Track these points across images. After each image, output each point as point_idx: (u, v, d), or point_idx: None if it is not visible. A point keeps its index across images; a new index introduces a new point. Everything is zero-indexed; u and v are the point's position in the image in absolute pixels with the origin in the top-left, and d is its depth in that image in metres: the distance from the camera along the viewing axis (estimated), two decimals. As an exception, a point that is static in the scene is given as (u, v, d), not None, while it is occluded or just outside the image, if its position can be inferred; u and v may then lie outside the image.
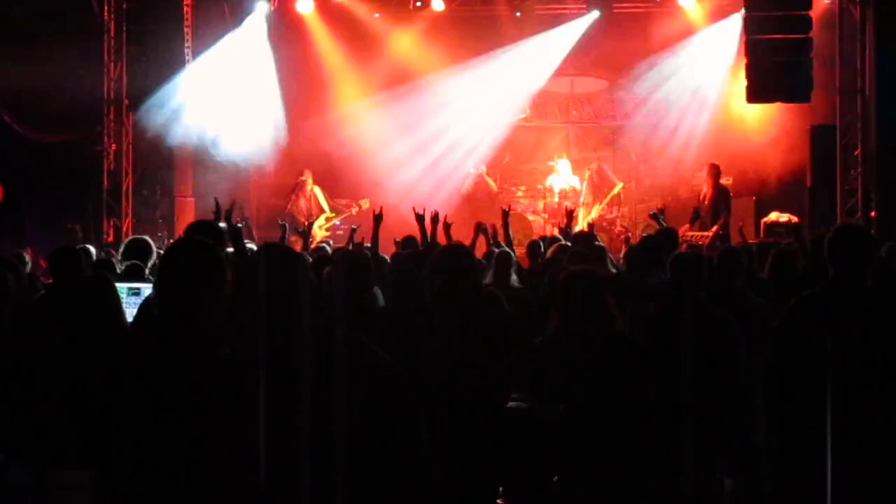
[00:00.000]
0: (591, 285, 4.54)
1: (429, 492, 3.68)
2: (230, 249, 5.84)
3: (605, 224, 14.65)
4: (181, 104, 13.84)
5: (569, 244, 8.00)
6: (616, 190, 15.05)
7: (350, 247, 8.98)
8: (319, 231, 14.63)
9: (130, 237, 8.31)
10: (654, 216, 10.77)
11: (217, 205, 7.42)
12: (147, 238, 7.46)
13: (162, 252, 5.47)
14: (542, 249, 8.64)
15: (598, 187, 15.30)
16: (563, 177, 15.60)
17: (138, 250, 7.09)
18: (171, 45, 13.57)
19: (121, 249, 7.42)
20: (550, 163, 15.96)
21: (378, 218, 8.12)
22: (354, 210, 15.21)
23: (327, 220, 13.05)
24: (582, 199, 15.26)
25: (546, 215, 15.28)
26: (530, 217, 15.45)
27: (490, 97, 16.14)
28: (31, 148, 13.85)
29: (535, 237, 10.99)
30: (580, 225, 14.84)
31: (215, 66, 14.54)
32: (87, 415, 3.21)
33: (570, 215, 9.90)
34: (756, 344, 5.56)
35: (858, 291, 4.32)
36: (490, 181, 15.74)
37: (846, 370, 4.14)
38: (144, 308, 5.59)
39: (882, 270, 5.78)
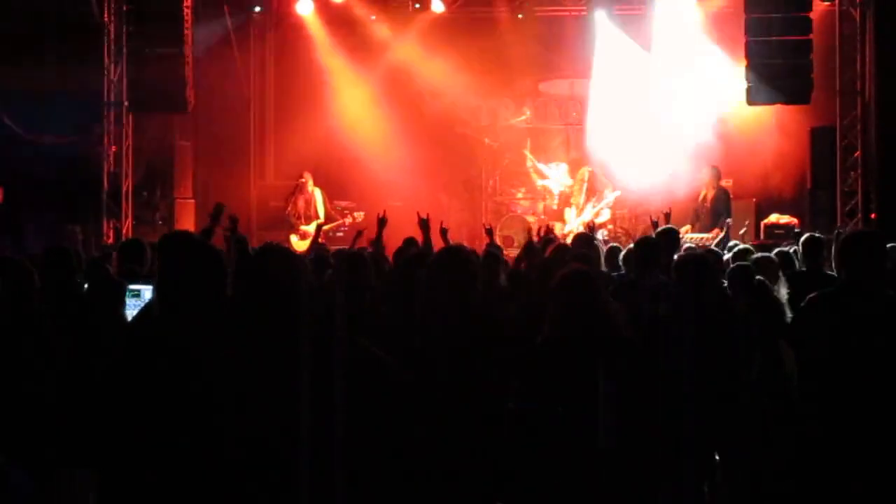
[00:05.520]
0: (587, 284, 4.53)
1: (428, 492, 3.69)
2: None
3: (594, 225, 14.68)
4: (182, 105, 13.83)
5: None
6: (611, 198, 15.05)
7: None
8: (298, 244, 14.54)
9: (125, 239, 8.29)
10: (655, 224, 10.76)
11: (219, 211, 7.25)
12: (141, 240, 7.45)
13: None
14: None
15: (590, 191, 15.32)
16: (558, 181, 15.61)
17: (134, 252, 7.07)
18: (170, 47, 13.56)
19: (116, 252, 7.41)
20: (551, 164, 15.97)
21: (382, 221, 8.14)
22: (348, 221, 15.20)
23: (312, 234, 12.53)
24: (573, 200, 15.31)
25: (545, 217, 15.28)
26: (530, 219, 15.45)
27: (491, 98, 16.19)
28: (31, 149, 13.85)
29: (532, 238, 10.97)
30: (569, 225, 14.87)
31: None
32: (89, 415, 3.21)
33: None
34: (752, 344, 5.58)
35: (866, 297, 4.29)
36: None
37: (849, 373, 4.15)
38: (146, 310, 5.57)
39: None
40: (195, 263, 3.31)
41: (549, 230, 10.12)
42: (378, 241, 7.93)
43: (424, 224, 7.93)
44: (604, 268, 7.94)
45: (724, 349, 5.43)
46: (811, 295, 4.60)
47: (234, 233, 7.25)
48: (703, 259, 5.87)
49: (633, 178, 14.89)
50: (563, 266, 5.32)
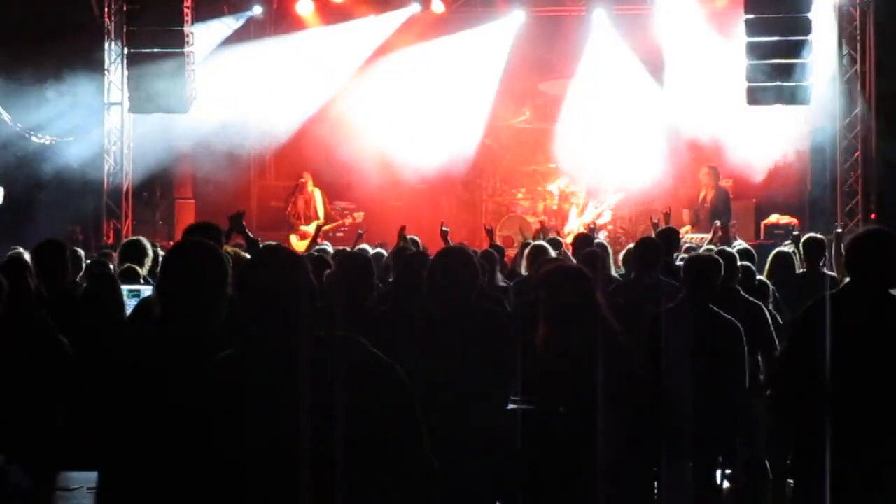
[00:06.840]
0: (573, 280, 4.51)
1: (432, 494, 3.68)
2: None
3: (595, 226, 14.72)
4: (182, 105, 13.81)
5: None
6: (612, 199, 15.07)
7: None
8: (298, 244, 14.54)
9: (127, 239, 8.26)
10: (655, 224, 10.77)
11: (239, 219, 6.83)
12: (143, 239, 7.43)
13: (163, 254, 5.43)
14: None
15: (591, 192, 15.36)
16: (561, 182, 15.66)
17: (134, 252, 7.06)
18: (170, 47, 13.56)
19: (117, 251, 7.40)
20: (552, 165, 15.97)
21: (402, 230, 8.38)
22: (348, 221, 15.19)
23: (311, 234, 12.49)
24: (573, 200, 15.34)
25: (546, 217, 15.30)
26: (530, 219, 15.47)
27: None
28: (31, 149, 13.85)
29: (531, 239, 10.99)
30: (570, 225, 14.90)
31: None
32: (89, 417, 3.21)
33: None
34: (752, 345, 5.59)
35: (873, 298, 4.26)
36: None
37: (851, 376, 4.14)
38: (141, 309, 5.56)
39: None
40: (200, 265, 3.31)
41: (550, 230, 10.17)
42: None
43: (444, 235, 8.13)
44: (614, 269, 7.97)
45: (727, 350, 5.44)
46: (819, 296, 4.57)
47: (245, 232, 6.90)
48: (715, 260, 5.87)
49: (632, 179, 14.89)
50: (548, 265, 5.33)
